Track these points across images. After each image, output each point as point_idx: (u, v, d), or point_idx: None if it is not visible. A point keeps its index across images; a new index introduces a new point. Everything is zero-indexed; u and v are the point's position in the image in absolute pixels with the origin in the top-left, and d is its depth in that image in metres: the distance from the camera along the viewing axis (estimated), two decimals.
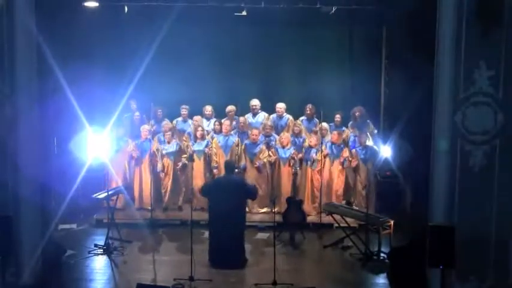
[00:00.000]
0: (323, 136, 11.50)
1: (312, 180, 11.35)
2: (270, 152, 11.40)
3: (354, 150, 11.55)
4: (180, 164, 11.51)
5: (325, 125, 11.68)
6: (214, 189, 9.56)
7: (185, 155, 11.48)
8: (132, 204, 11.47)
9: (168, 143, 11.56)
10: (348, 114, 12.35)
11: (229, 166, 9.67)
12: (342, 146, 11.58)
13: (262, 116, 12.32)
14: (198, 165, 11.53)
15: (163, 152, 11.52)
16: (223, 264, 9.18)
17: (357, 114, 12.15)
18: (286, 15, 11.87)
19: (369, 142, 11.61)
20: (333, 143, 11.51)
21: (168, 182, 11.62)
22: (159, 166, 11.47)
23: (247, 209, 11.26)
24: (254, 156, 11.43)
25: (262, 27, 12.58)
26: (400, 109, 10.57)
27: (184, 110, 12.30)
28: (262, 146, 11.47)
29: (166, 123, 12.02)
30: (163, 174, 11.54)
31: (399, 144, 10.49)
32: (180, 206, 11.67)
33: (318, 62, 12.99)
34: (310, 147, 11.32)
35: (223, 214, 9.25)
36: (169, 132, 11.60)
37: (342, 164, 11.39)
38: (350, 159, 11.38)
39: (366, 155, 11.48)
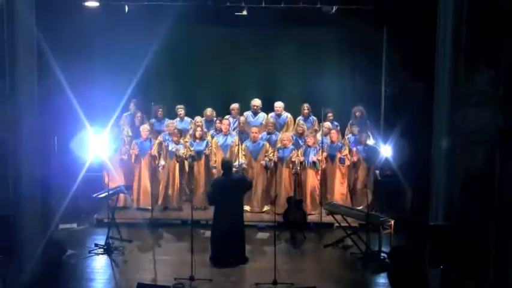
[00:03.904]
0: (325, 135, 11.52)
1: (313, 180, 11.35)
2: (272, 152, 11.40)
3: (354, 149, 11.57)
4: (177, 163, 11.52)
5: (327, 124, 11.71)
6: (216, 191, 9.54)
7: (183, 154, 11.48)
8: (132, 204, 11.48)
9: (176, 144, 11.53)
10: (344, 112, 12.40)
11: (226, 165, 9.69)
12: (340, 144, 11.59)
13: (262, 116, 12.33)
14: (198, 166, 11.56)
15: (170, 148, 11.48)
16: (227, 262, 9.26)
17: (357, 114, 12.20)
18: (287, 14, 11.88)
19: (369, 141, 11.63)
20: (332, 142, 11.53)
21: (166, 182, 11.61)
22: (162, 164, 11.47)
23: (248, 209, 11.36)
24: (257, 154, 11.42)
25: (263, 27, 12.58)
26: (401, 109, 10.58)
27: (180, 110, 12.30)
28: (266, 144, 11.47)
29: (171, 123, 11.98)
30: (162, 169, 11.51)
31: (399, 144, 10.51)
32: (180, 206, 11.69)
33: (318, 62, 13.03)
34: (309, 146, 11.33)
35: (226, 213, 9.32)
36: (178, 134, 11.57)
37: (340, 161, 11.39)
38: (349, 157, 11.40)
39: (366, 154, 11.49)
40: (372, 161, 11.45)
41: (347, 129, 12.29)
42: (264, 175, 11.44)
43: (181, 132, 11.85)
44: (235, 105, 12.15)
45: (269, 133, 11.82)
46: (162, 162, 11.43)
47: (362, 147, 11.56)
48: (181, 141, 11.60)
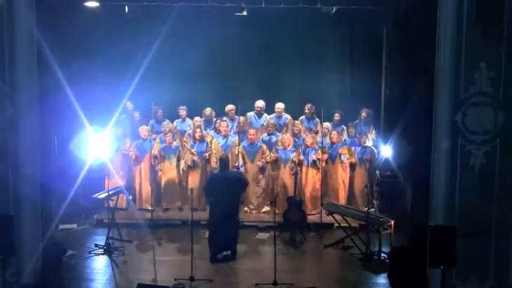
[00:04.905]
0: (324, 135, 11.52)
1: (313, 180, 11.34)
2: (271, 153, 11.40)
3: (352, 149, 11.57)
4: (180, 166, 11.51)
5: (327, 124, 11.70)
6: (212, 186, 9.72)
7: (187, 159, 11.47)
8: (133, 204, 11.47)
9: (169, 144, 11.54)
10: (348, 113, 12.40)
11: (224, 162, 9.82)
12: (340, 144, 11.58)
13: (264, 118, 12.31)
14: (198, 166, 11.56)
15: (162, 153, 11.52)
16: (217, 256, 9.49)
17: (363, 114, 12.21)
18: (287, 15, 11.86)
19: (368, 143, 11.64)
20: (332, 143, 11.52)
21: (166, 182, 11.62)
22: (159, 166, 11.48)
23: (248, 210, 11.36)
24: (253, 156, 11.43)
25: (263, 28, 12.58)
26: (401, 109, 10.58)
27: (182, 111, 12.30)
28: (263, 146, 11.47)
29: (166, 124, 12.00)
30: (161, 173, 11.53)
31: (399, 144, 10.51)
32: (180, 206, 11.68)
33: (319, 62, 13.01)
34: (307, 147, 11.33)
35: (220, 208, 9.44)
36: (169, 134, 11.58)
37: (340, 157, 11.39)
38: (347, 155, 11.40)
39: (363, 155, 11.49)
40: (369, 162, 11.44)
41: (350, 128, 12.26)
42: (264, 176, 11.45)
43: (174, 134, 11.83)
44: (231, 107, 12.11)
45: (269, 134, 11.82)
46: (157, 168, 11.45)
47: (360, 148, 11.56)
48: (175, 143, 11.58)
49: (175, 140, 11.69)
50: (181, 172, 11.61)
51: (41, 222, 8.55)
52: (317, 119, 12.24)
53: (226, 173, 9.80)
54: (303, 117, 12.34)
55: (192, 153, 11.44)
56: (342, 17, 12.16)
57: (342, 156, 11.42)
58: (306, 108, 12.29)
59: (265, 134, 11.85)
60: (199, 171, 11.55)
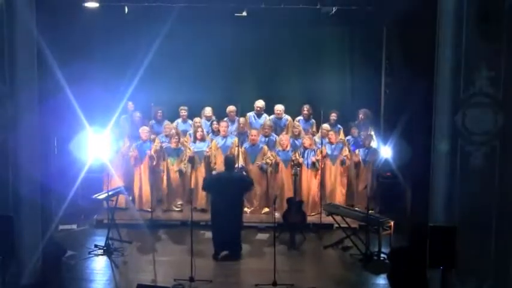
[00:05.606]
0: (324, 137, 11.51)
1: (311, 181, 11.34)
2: (270, 154, 11.39)
3: (357, 151, 11.56)
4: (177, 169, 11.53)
5: (326, 126, 11.70)
6: (214, 184, 9.77)
7: (184, 162, 11.47)
8: (133, 205, 11.47)
9: (176, 147, 11.50)
10: (348, 113, 12.41)
11: (229, 162, 9.81)
12: (340, 145, 11.58)
13: (264, 118, 12.29)
14: (198, 166, 11.55)
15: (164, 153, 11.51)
16: (225, 249, 9.59)
17: (360, 115, 12.19)
18: (287, 15, 11.88)
19: (373, 143, 11.63)
20: (330, 144, 11.52)
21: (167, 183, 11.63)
22: (162, 167, 11.47)
23: (249, 210, 11.36)
24: (254, 156, 11.42)
25: (263, 28, 12.59)
26: (400, 110, 10.58)
27: (183, 111, 12.30)
28: (264, 147, 11.46)
29: (168, 125, 11.97)
30: (163, 174, 11.52)
31: (399, 145, 10.51)
32: (180, 203, 11.68)
33: (318, 63, 13.04)
34: (305, 148, 11.32)
35: (224, 208, 9.43)
36: (176, 137, 11.55)
37: (342, 162, 11.39)
38: (349, 157, 11.39)
39: (366, 156, 11.49)
40: (371, 163, 11.44)
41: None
42: (263, 177, 11.44)
43: (179, 136, 11.82)
44: (232, 108, 12.10)
45: (266, 136, 11.78)
46: (158, 169, 11.46)
47: (363, 150, 11.55)
48: (180, 145, 11.57)
49: (180, 143, 11.67)
50: (183, 170, 11.58)
51: (40, 222, 8.54)
52: (313, 120, 12.24)
53: (232, 173, 9.78)
54: (300, 118, 12.33)
55: (190, 151, 11.41)
56: (342, 17, 12.18)
57: (343, 161, 11.39)
58: (305, 109, 12.27)
59: (261, 136, 11.78)
60: (201, 171, 11.54)
